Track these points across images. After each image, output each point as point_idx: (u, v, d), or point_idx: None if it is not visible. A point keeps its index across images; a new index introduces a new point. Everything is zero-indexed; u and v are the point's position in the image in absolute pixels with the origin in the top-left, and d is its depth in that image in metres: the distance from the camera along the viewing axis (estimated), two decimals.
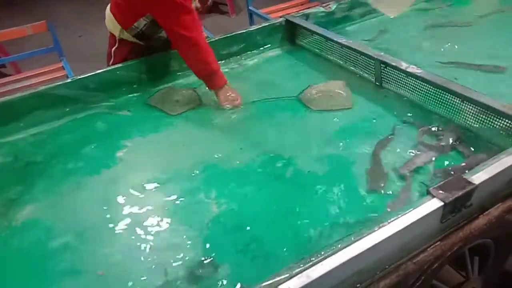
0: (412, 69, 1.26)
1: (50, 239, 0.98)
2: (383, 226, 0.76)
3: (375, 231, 0.76)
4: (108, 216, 1.02)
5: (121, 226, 1.00)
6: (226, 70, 1.60)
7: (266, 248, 0.89)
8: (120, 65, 1.49)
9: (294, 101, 1.39)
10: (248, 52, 1.71)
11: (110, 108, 1.45)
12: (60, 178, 1.17)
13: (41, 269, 0.92)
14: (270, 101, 1.40)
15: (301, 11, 1.81)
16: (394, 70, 1.33)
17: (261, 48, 1.72)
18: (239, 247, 0.90)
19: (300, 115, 1.33)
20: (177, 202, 1.05)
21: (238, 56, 1.69)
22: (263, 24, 1.74)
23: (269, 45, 1.74)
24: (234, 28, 1.72)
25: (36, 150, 1.29)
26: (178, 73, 1.59)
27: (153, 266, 0.89)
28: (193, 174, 1.12)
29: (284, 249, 0.88)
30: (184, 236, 0.94)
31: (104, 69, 1.48)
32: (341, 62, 1.56)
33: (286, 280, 0.66)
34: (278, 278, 0.66)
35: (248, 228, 0.95)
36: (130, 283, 0.85)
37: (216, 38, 1.64)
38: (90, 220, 1.02)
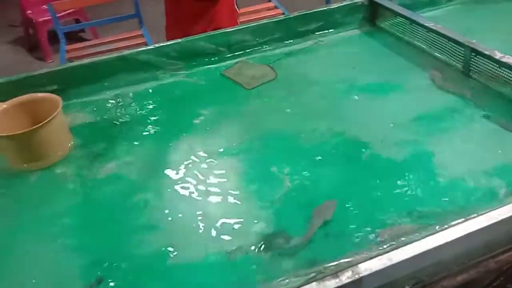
0: (508, 59, 1.18)
1: (131, 194, 1.04)
2: (469, 219, 0.73)
3: (460, 223, 0.73)
4: (185, 179, 1.06)
5: (195, 189, 1.03)
6: (302, 47, 1.58)
7: (338, 228, 0.88)
8: (200, 35, 1.52)
9: (372, 84, 1.35)
10: (326, 31, 1.67)
11: (188, 76, 1.49)
12: (140, 139, 1.23)
13: (121, 220, 0.97)
14: (348, 82, 1.37)
15: None
16: (485, 60, 1.25)
17: (340, 28, 1.68)
18: (309, 222, 0.90)
19: (380, 98, 1.29)
20: (250, 172, 1.07)
21: (315, 34, 1.66)
22: (345, 3, 1.69)
23: (348, 24, 1.69)
24: (303, 5, 1.69)
25: (119, 111, 1.36)
26: (255, 48, 1.60)
27: (224, 231, 0.91)
28: (266, 148, 1.13)
29: (358, 232, 0.86)
30: (256, 206, 0.96)
31: (185, 39, 1.51)
32: (425, 47, 1.49)
33: (366, 260, 0.65)
34: (357, 257, 0.65)
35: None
36: (201, 246, 0.88)
37: (295, 15, 1.62)
38: (167, 181, 1.07)
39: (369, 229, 0.86)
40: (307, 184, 1.00)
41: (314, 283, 0.64)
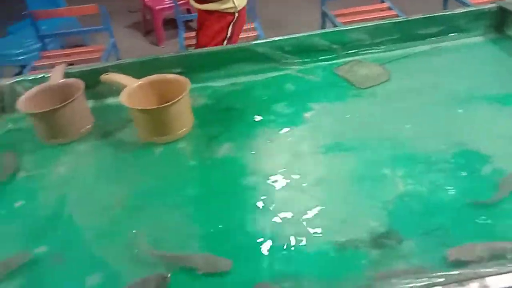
0: None
1: (243, 175, 1.11)
2: None
3: None
4: (293, 168, 1.11)
5: (302, 179, 1.07)
6: (419, 50, 1.54)
7: (453, 239, 0.86)
8: (317, 32, 1.55)
9: (494, 94, 1.28)
10: (446, 36, 1.60)
11: (300, 71, 1.53)
12: (253, 126, 1.29)
13: (236, 199, 1.05)
14: (467, 90, 1.31)
15: None
16: None
17: (462, 33, 1.60)
18: (424, 229, 0.89)
19: (503, 109, 1.22)
20: (360, 169, 1.07)
21: (433, 38, 1.60)
22: (470, 8, 1.60)
23: (471, 31, 1.60)
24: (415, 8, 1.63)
25: (234, 98, 1.44)
26: (369, 48, 1.59)
27: (333, 222, 0.94)
28: (379, 148, 1.13)
29: None
30: (367, 203, 0.97)
31: (301, 34, 1.55)
32: None
33: (494, 275, 0.63)
34: (486, 270, 0.64)
35: (434, 214, 0.93)
36: (310, 234, 0.92)
37: (416, 17, 1.58)
38: (276, 169, 1.12)
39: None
40: (422, 190, 0.98)
41: None
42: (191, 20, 4.05)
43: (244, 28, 2.53)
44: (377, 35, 1.58)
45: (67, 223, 1.03)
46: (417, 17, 1.58)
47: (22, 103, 1.29)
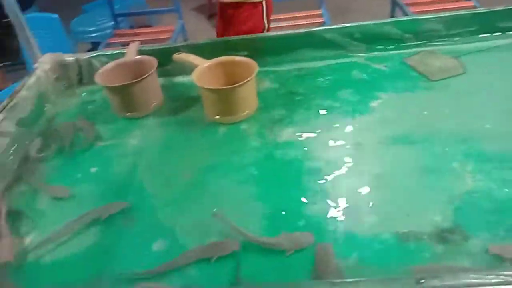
0: None
1: (305, 160, 1.12)
2: None
3: None
4: (356, 156, 1.10)
5: (365, 170, 1.06)
6: (498, 44, 1.45)
7: None
8: (389, 20, 1.51)
9: None
10: None
11: (368, 59, 1.50)
12: (316, 111, 1.30)
13: (296, 182, 1.06)
14: None
15: None
16: None
17: None
18: (494, 229, 0.85)
19: None
20: (428, 163, 1.04)
21: None
22: None
23: None
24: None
25: (298, 83, 1.45)
26: (443, 39, 1.52)
27: (395, 213, 0.93)
28: (448, 142, 1.09)
29: None
30: (433, 198, 0.95)
31: (372, 22, 1.52)
32: None
33: None
34: None
35: (505, 212, 0.89)
36: (371, 222, 0.91)
37: (499, 8, 1.48)
38: (338, 156, 1.11)
39: None
40: (493, 188, 0.94)
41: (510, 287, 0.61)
42: None
43: (310, 14, 2.52)
44: (454, 26, 1.51)
45: (137, 190, 1.09)
46: (499, 8, 1.49)
47: (100, 76, 1.37)
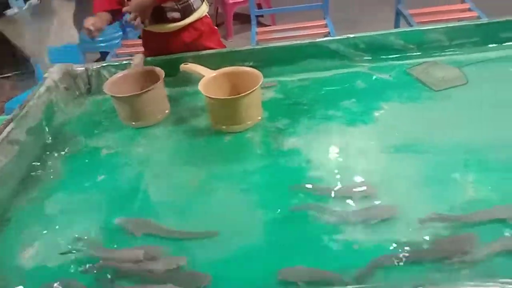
0: None
1: (308, 169, 1.13)
2: None
3: None
4: (357, 166, 1.11)
5: (367, 179, 1.07)
6: (501, 55, 1.46)
7: None
8: (393, 30, 1.54)
9: None
10: None
11: (372, 69, 1.52)
12: (320, 121, 1.31)
13: (300, 190, 1.07)
14: None
15: None
16: None
17: None
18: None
19: None
20: (429, 173, 1.05)
21: None
22: None
23: None
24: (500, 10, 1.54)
25: (302, 93, 1.47)
26: (446, 49, 1.54)
27: (393, 225, 0.94)
28: (450, 153, 1.10)
29: None
30: (434, 208, 0.95)
31: (376, 32, 1.54)
32: None
33: None
34: None
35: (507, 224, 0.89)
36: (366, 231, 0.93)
37: (500, 19, 1.50)
38: (340, 165, 1.13)
39: None
40: (494, 199, 0.95)
41: None
42: (262, 16, 4.12)
43: (315, 24, 2.55)
44: (457, 37, 1.52)
45: (143, 198, 1.12)
46: (501, 19, 1.51)
47: (108, 86, 1.41)
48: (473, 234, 0.87)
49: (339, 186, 1.06)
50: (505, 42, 1.51)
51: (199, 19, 1.60)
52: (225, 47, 1.74)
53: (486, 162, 1.06)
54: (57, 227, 1.07)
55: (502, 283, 0.65)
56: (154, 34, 1.61)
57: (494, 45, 1.51)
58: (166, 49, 1.62)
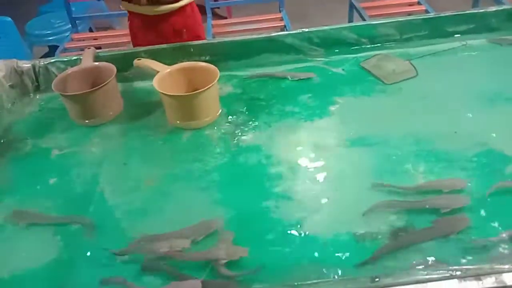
0: None
1: (268, 165, 1.14)
2: None
3: None
4: (316, 161, 1.14)
5: (324, 172, 1.09)
6: (447, 47, 1.53)
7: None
8: (346, 25, 1.56)
9: None
10: (476, 34, 1.59)
11: (326, 64, 1.54)
12: (278, 117, 1.32)
13: (259, 187, 1.08)
14: (493, 90, 1.30)
15: None
16: None
17: (493, 33, 1.58)
18: None
19: None
20: (383, 165, 1.09)
21: (463, 36, 1.59)
22: (503, 7, 1.59)
23: (504, 30, 1.58)
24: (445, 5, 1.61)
25: (259, 88, 1.47)
26: (397, 42, 1.59)
27: (351, 215, 0.96)
28: (401, 144, 1.14)
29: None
30: (388, 198, 0.99)
31: (330, 27, 1.56)
32: None
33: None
34: (502, 267, 0.66)
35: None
36: (329, 225, 0.95)
37: (446, 14, 1.57)
38: (298, 160, 1.14)
39: None
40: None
41: (455, 280, 0.66)
42: (218, 7, 4.07)
43: (271, 17, 2.55)
44: (406, 31, 1.58)
45: (98, 200, 1.08)
46: (448, 14, 1.58)
47: (57, 84, 1.34)
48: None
49: (300, 181, 1.07)
50: (451, 35, 1.59)
51: (189, 4, 1.62)
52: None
53: (435, 152, 1.11)
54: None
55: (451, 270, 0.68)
56: (145, 20, 1.60)
57: (442, 38, 1.58)
58: (156, 36, 1.60)
